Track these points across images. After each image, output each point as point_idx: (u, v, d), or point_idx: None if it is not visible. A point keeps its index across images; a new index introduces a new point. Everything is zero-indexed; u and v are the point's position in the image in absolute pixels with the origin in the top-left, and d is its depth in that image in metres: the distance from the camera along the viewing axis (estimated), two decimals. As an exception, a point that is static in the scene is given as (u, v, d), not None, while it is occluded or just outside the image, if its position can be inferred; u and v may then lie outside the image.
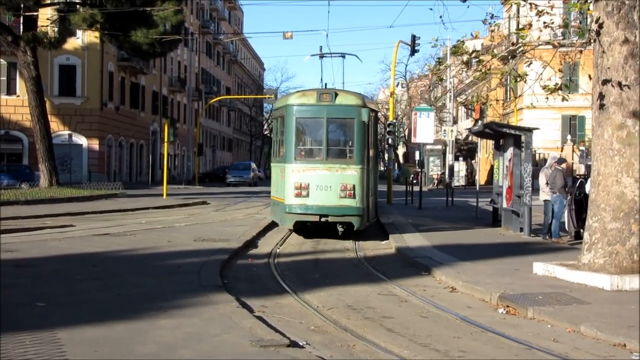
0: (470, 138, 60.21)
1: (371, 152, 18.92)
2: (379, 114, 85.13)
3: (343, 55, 24.89)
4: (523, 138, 17.83)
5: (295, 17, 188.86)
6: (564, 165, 17.25)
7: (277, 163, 19.59)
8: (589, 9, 11.94)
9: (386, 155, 46.73)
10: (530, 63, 14.17)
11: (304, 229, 18.44)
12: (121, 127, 52.58)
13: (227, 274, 12.23)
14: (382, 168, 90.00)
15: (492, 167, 34.50)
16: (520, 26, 13.61)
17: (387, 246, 16.90)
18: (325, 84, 21.50)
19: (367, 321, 8.92)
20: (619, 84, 10.80)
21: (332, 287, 11.23)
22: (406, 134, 75.17)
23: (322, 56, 25.41)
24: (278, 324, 8.45)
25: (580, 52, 13.64)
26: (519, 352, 7.48)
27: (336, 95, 17.91)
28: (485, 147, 55.31)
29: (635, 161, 10.80)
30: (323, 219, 17.56)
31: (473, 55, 13.87)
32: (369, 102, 19.77)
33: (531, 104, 20.26)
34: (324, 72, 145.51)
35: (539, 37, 14.07)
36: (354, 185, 17.34)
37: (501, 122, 39.56)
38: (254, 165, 65.31)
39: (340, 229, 17.80)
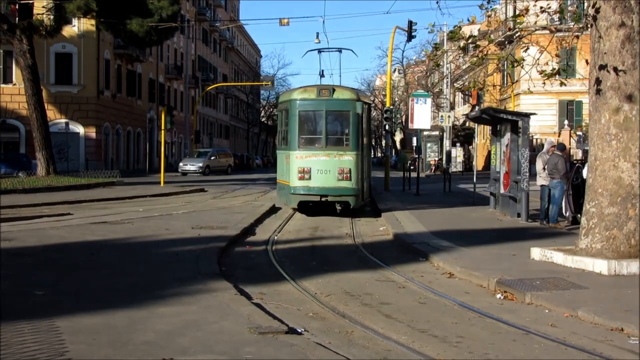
0: (467, 124, 60.27)
1: (365, 140, 21.21)
2: (376, 100, 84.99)
3: (340, 50, 28.28)
4: (520, 123, 17.82)
5: (292, 4, 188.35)
6: (563, 152, 17.27)
7: (282, 150, 22.04)
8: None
9: (383, 142, 46.70)
10: (527, 48, 14.15)
11: (306, 208, 20.67)
12: (118, 115, 52.50)
13: (225, 261, 12.24)
14: (379, 154, 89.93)
15: (489, 152, 34.49)
16: (517, 12, 13.57)
17: (384, 232, 16.93)
18: (323, 71, 23.85)
19: (365, 307, 8.94)
20: (616, 68, 10.78)
21: (330, 273, 11.25)
22: (403, 120, 75.09)
23: (320, 51, 29.08)
24: (276, 310, 8.46)
25: (577, 37, 13.62)
26: (517, 337, 7.50)
27: (334, 90, 20.32)
28: (482, 133, 55.31)
29: (633, 145, 10.80)
30: (323, 199, 19.88)
31: (470, 40, 13.84)
32: (363, 96, 22.41)
33: (528, 89, 20.25)
34: (321, 61, 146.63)
35: (535, 22, 14.04)
36: (350, 169, 19.67)
37: (498, 108, 39.53)
38: (223, 152, 57.45)
39: (338, 207, 20.18)
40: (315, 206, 20.54)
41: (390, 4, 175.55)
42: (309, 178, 19.73)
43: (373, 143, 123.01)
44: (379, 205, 22.97)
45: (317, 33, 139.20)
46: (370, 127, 24.14)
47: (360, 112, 20.07)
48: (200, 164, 49.44)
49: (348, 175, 19.63)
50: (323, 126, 20.10)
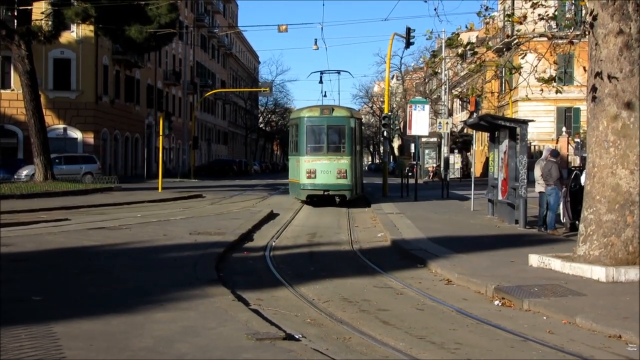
0: (465, 130, 60.24)
1: (357, 148, 27.14)
2: (374, 106, 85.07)
3: (339, 72, 45.21)
4: (518, 130, 17.84)
5: (291, 10, 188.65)
6: (557, 158, 17.26)
7: (293, 156, 28.05)
8: (583, 0, 11.91)
9: (381, 148, 46.94)
10: (525, 55, 14.16)
11: (312, 200, 26.16)
12: (116, 120, 52.50)
13: (223, 267, 12.24)
14: (377, 161, 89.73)
15: (487, 159, 34.52)
16: (514, 17, 13.56)
17: (382, 238, 16.92)
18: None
19: (362, 314, 8.93)
20: (614, 75, 10.79)
21: (327, 279, 11.24)
22: (401, 126, 75.11)
23: (322, 73, 41.44)
24: (274, 317, 8.45)
25: (571, 43, 13.59)
26: (514, 344, 7.49)
27: (333, 109, 26.81)
28: (480, 140, 55.36)
29: (631, 153, 10.80)
30: (326, 193, 25.61)
31: (468, 47, 13.85)
32: (355, 113, 28.89)
33: (526, 96, 20.26)
34: (322, 68, 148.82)
35: (533, 30, 14.05)
36: (346, 170, 25.54)
37: (496, 115, 39.57)
38: (74, 157, 43.73)
39: (337, 199, 25.76)
40: (320, 200, 25.99)
41: (389, 11, 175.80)
42: (315, 177, 25.47)
43: (371, 149, 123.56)
44: (376, 211, 23.19)
45: (315, 39, 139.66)
46: (362, 137, 30.69)
47: (354, 126, 26.28)
48: (27, 172, 39.10)
49: (345, 174, 25.47)
50: (325, 137, 26.01)
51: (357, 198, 27.60)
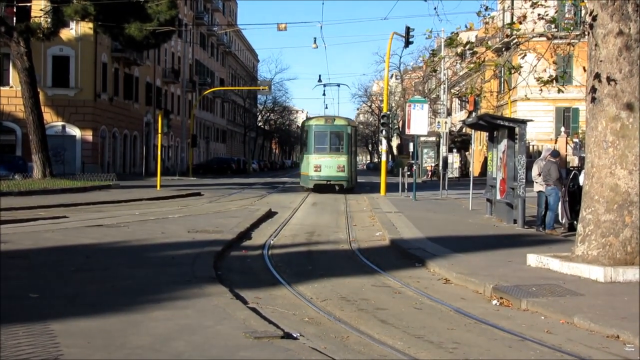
0: (464, 130, 60.25)
1: (353, 149, 35.75)
2: (373, 105, 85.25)
3: (338, 85, 78.70)
4: (517, 130, 17.84)
5: (290, 9, 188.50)
6: (557, 159, 17.26)
7: (304, 155, 35.91)
8: (582, 1, 11.90)
9: (379, 147, 47.12)
10: (524, 55, 14.15)
11: (318, 189, 33.73)
12: (115, 118, 52.45)
13: (221, 265, 12.22)
14: (376, 160, 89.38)
15: (486, 159, 34.51)
16: (514, 19, 13.56)
17: (381, 237, 16.90)
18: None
19: (361, 313, 8.92)
20: (613, 76, 10.77)
21: (325, 278, 11.23)
22: (400, 125, 75.06)
23: (325, 85, 58.61)
24: (272, 315, 8.44)
25: (572, 45, 13.58)
26: (512, 344, 7.48)
27: (334, 119, 36.10)
28: (479, 139, 55.34)
29: (629, 153, 10.80)
30: (328, 182, 33.70)
31: (467, 47, 13.84)
32: (352, 122, 38.05)
33: (525, 96, 20.28)
34: (322, 67, 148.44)
35: (533, 29, 14.04)
36: (344, 165, 33.82)
37: (495, 114, 39.55)
38: None
39: (337, 187, 33.63)
40: (323, 188, 33.53)
41: (388, 10, 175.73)
42: (320, 170, 33.57)
43: (370, 148, 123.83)
44: (375, 210, 23.18)
45: (315, 38, 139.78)
46: (356, 140, 39.56)
47: (350, 132, 34.88)
48: None
49: (343, 168, 33.66)
50: (328, 140, 34.15)
51: (352, 187, 35.42)
